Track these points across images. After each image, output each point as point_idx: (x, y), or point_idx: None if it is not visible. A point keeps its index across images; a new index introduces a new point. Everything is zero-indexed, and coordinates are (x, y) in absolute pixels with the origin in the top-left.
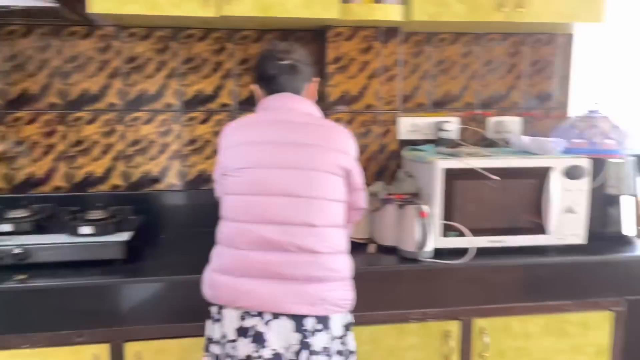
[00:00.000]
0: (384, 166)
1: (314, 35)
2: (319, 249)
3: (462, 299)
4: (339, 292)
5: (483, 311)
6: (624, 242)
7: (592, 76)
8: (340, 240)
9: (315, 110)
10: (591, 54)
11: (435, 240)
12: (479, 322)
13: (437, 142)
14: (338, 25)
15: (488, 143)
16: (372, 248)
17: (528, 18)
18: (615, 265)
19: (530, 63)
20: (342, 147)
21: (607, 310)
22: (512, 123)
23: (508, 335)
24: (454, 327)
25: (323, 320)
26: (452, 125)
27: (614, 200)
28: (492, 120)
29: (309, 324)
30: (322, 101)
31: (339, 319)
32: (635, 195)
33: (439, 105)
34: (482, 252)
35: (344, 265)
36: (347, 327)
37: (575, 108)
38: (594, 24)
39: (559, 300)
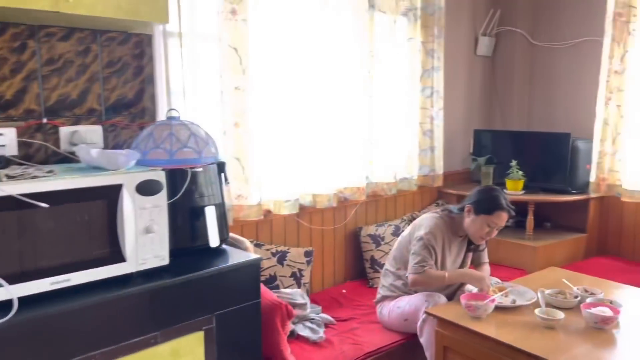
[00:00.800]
0: None
1: None
2: None
3: None
4: None
5: None
6: (212, 254)
7: (177, 81)
8: None
9: None
10: (176, 58)
11: None
12: None
13: None
14: None
15: (61, 159)
16: None
17: (81, 10)
18: (201, 282)
19: (106, 64)
20: None
21: (198, 331)
22: (92, 133)
23: None
24: None
25: None
26: (5, 138)
27: (199, 212)
28: (65, 130)
29: None
30: None
31: None
32: (220, 204)
33: None
34: (45, 297)
35: None
36: None
37: (163, 115)
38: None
39: (146, 335)
